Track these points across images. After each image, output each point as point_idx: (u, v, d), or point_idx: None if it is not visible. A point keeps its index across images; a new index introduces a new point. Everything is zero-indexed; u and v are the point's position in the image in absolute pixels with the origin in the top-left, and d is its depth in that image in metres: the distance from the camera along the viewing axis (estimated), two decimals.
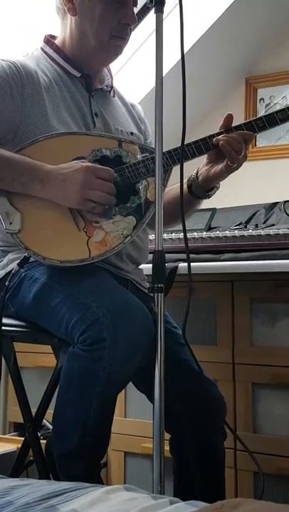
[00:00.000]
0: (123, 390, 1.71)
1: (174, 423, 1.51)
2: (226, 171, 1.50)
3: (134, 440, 2.01)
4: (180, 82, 1.32)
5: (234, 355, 1.88)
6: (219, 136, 1.47)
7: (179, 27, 1.32)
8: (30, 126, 1.47)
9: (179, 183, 1.38)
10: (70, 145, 1.46)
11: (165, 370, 1.29)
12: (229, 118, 1.50)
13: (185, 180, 1.56)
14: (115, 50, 1.57)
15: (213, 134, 1.48)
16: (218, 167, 1.51)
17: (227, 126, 1.49)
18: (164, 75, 1.33)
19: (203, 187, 1.56)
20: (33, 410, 1.56)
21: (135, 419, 2.02)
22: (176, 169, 1.43)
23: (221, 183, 1.59)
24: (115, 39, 1.54)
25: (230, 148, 1.44)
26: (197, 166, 1.58)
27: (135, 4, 1.56)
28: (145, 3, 1.40)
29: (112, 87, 1.66)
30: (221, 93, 2.80)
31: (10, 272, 1.48)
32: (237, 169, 1.50)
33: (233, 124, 1.49)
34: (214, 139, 1.47)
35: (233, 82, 2.78)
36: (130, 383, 1.55)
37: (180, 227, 1.42)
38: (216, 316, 1.92)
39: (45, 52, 1.60)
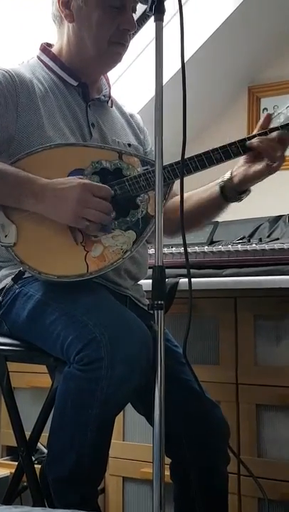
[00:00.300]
0: (121, 412, 1.70)
1: (175, 447, 1.50)
2: (266, 171, 1.51)
3: (133, 465, 1.99)
4: (180, 91, 1.33)
5: (237, 375, 1.87)
6: (252, 140, 1.47)
7: (180, 35, 1.33)
8: (25, 136, 1.48)
9: (180, 195, 1.38)
10: (68, 156, 1.47)
11: (165, 391, 1.28)
12: (267, 118, 1.51)
13: (213, 183, 1.59)
14: (114, 57, 1.59)
15: (234, 142, 1.48)
16: (259, 167, 1.51)
17: (263, 127, 1.50)
18: (164, 83, 1.34)
19: (238, 188, 1.56)
20: (27, 433, 1.55)
21: (134, 443, 2.01)
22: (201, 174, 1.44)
23: None
24: (114, 45, 1.55)
25: (265, 147, 1.46)
26: (212, 173, 1.58)
27: (134, 10, 1.57)
28: (144, 11, 1.41)
29: (109, 96, 1.67)
30: (223, 102, 2.82)
31: (3, 288, 1.48)
32: (277, 170, 1.51)
33: (237, 138, 1.49)
34: (248, 143, 1.47)
35: (236, 91, 2.80)
36: (129, 405, 1.54)
37: (181, 240, 1.41)
38: (219, 334, 1.92)
39: (42, 61, 1.61)
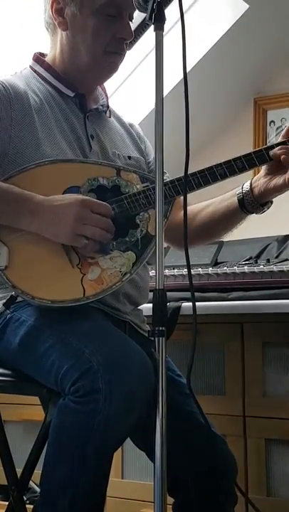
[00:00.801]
0: (120, 448, 1.69)
1: (178, 485, 1.49)
2: (287, 185, 1.51)
3: (132, 505, 1.98)
4: (183, 102, 1.34)
5: (245, 407, 1.86)
6: (275, 149, 1.48)
7: (181, 44, 1.34)
8: (19, 151, 1.48)
9: (184, 214, 1.38)
10: (63, 173, 1.47)
11: (167, 424, 1.27)
12: None
13: (231, 193, 1.59)
14: (110, 67, 1.60)
15: (239, 157, 1.48)
16: (280, 179, 1.52)
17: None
18: (165, 95, 1.35)
19: (260, 200, 1.56)
20: (18, 470, 1.54)
21: (134, 481, 1.99)
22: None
23: None
24: (110, 55, 1.57)
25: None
26: (221, 186, 1.58)
27: (131, 18, 1.59)
28: (144, 20, 1.42)
29: (107, 106, 1.68)
30: (228, 114, 2.84)
31: None
32: None
33: (242, 153, 1.50)
34: (271, 153, 1.48)
35: (241, 103, 2.82)
36: (128, 439, 1.53)
37: (184, 261, 1.41)
38: (225, 363, 1.91)
39: (35, 71, 1.63)
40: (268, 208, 1.60)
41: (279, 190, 1.53)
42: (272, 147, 1.50)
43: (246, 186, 1.58)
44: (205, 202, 1.64)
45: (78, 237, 1.39)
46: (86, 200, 1.41)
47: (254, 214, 1.60)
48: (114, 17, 1.54)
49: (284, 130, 1.52)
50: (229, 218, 1.62)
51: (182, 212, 1.53)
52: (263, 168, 1.55)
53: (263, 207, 1.58)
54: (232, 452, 1.58)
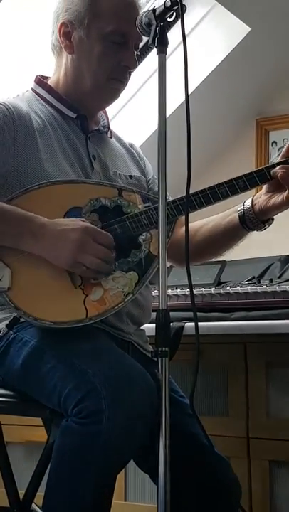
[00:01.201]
0: (123, 470, 1.68)
1: (182, 507, 1.48)
2: (286, 203, 1.51)
3: None
4: (184, 123, 1.35)
5: (248, 429, 1.85)
6: (276, 168, 1.48)
7: (183, 66, 1.36)
8: (22, 172, 1.50)
9: (185, 234, 1.39)
10: (65, 194, 1.48)
11: (171, 445, 1.27)
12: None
13: (232, 210, 1.60)
14: (112, 93, 1.63)
15: (240, 176, 1.49)
16: (279, 198, 1.52)
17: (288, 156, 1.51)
18: (167, 115, 1.36)
19: (261, 218, 1.57)
20: (21, 492, 1.53)
21: (137, 503, 1.98)
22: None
23: None
24: (113, 82, 1.60)
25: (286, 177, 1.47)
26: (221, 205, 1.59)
27: (136, 48, 1.62)
28: (146, 43, 1.44)
29: (108, 127, 1.70)
30: (230, 135, 2.86)
31: None
32: None
33: (244, 172, 1.51)
34: (272, 171, 1.49)
35: (243, 124, 2.84)
36: (131, 462, 1.52)
37: (187, 281, 1.41)
38: (228, 383, 1.91)
39: (37, 94, 1.65)
40: (269, 225, 1.60)
41: (278, 207, 1.54)
42: (273, 166, 1.50)
43: (247, 203, 1.58)
44: (205, 219, 1.64)
45: (77, 264, 1.40)
46: (89, 228, 1.41)
47: (255, 231, 1.60)
48: (120, 45, 1.57)
49: (284, 149, 1.53)
50: (230, 235, 1.62)
51: (183, 229, 1.53)
52: (265, 186, 1.55)
53: (264, 224, 1.59)
54: (236, 474, 1.57)
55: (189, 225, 1.59)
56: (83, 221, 1.43)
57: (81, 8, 1.57)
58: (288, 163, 1.49)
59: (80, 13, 1.57)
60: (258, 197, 1.57)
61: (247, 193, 1.52)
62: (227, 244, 1.67)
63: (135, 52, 1.61)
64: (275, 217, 1.59)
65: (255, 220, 1.57)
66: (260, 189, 1.59)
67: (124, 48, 1.57)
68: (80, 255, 1.39)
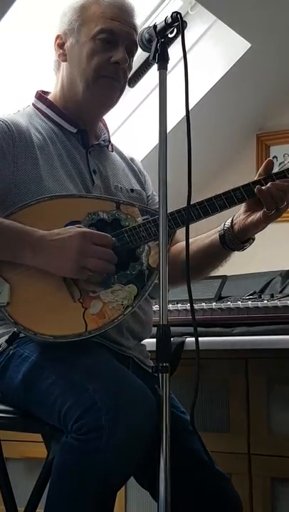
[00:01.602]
0: (123, 486, 1.67)
1: None
2: (263, 220, 1.52)
3: None
4: (185, 138, 1.35)
5: (250, 445, 1.84)
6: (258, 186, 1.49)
7: (184, 82, 1.36)
8: (23, 188, 1.50)
9: (186, 247, 1.39)
10: (63, 209, 1.49)
11: (171, 462, 1.26)
12: (269, 164, 1.53)
13: (214, 230, 1.60)
14: (104, 92, 1.60)
15: (238, 187, 1.50)
16: (256, 215, 1.53)
17: (267, 173, 1.52)
18: (168, 130, 1.37)
19: (239, 237, 1.57)
20: (20, 509, 1.52)
21: None
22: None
23: None
24: (104, 80, 1.58)
25: (269, 195, 1.47)
26: (213, 219, 1.59)
27: (131, 53, 1.60)
28: (147, 59, 1.45)
29: (109, 141, 1.70)
30: (231, 150, 2.87)
31: None
32: (276, 218, 1.52)
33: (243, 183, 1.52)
34: (256, 189, 1.49)
35: (244, 139, 2.86)
36: (131, 478, 1.51)
37: (187, 296, 1.41)
38: (229, 399, 1.90)
39: (38, 109, 1.66)
40: (250, 245, 1.60)
41: (256, 225, 1.54)
42: (271, 177, 1.51)
43: (227, 223, 1.59)
44: (191, 239, 1.63)
45: (82, 270, 1.40)
46: (86, 232, 1.42)
47: (236, 252, 1.60)
48: (110, 43, 1.57)
49: (263, 166, 1.54)
50: (213, 255, 1.62)
51: (173, 247, 1.55)
52: (243, 205, 1.56)
53: (244, 244, 1.59)
54: (237, 491, 1.55)
55: (175, 246, 1.60)
56: (79, 227, 1.44)
57: (72, 17, 1.60)
58: (268, 180, 1.49)
59: (71, 22, 1.60)
60: (238, 216, 1.58)
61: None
62: (211, 265, 1.66)
63: (129, 56, 1.59)
64: (275, 232, 1.59)
65: (235, 239, 1.57)
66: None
67: (115, 46, 1.57)
68: (82, 260, 1.39)
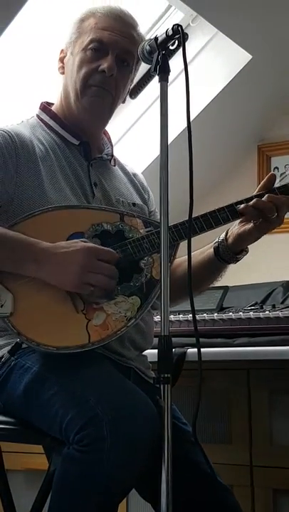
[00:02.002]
0: (124, 498, 1.66)
1: None
2: (255, 230, 1.52)
3: None
4: (186, 149, 1.36)
5: (252, 456, 1.83)
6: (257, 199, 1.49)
7: (185, 94, 1.37)
8: (25, 198, 1.51)
9: (188, 258, 1.39)
10: (67, 219, 1.49)
11: (173, 474, 1.25)
12: (270, 178, 1.54)
13: (209, 244, 1.60)
14: (92, 101, 1.60)
15: (241, 200, 1.50)
16: (248, 226, 1.53)
17: (268, 187, 1.52)
18: (170, 142, 1.37)
19: (233, 249, 1.57)
20: None
21: None
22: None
23: None
24: (92, 89, 1.59)
25: (252, 210, 1.47)
26: (217, 233, 1.60)
27: (123, 61, 1.60)
28: (148, 71, 1.46)
29: (112, 155, 1.71)
30: (232, 161, 2.88)
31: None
32: (269, 229, 1.52)
33: (244, 197, 1.52)
34: (253, 202, 1.49)
35: (245, 150, 2.87)
36: (133, 490, 1.50)
37: (188, 306, 1.42)
38: (230, 410, 1.89)
39: (41, 120, 1.67)
40: (243, 256, 1.60)
41: (248, 235, 1.54)
42: (274, 190, 1.51)
43: (222, 235, 1.60)
44: (182, 258, 1.63)
45: (84, 285, 1.40)
46: (91, 247, 1.42)
47: (232, 264, 1.60)
48: (101, 52, 1.58)
49: (264, 180, 1.54)
50: (208, 268, 1.62)
51: (174, 262, 1.55)
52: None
53: (237, 255, 1.59)
54: (239, 503, 1.55)
55: (173, 261, 1.59)
56: (84, 241, 1.44)
57: (72, 31, 1.64)
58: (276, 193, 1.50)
59: (71, 35, 1.64)
60: (232, 228, 1.58)
61: None
62: (208, 278, 1.66)
63: (123, 66, 1.60)
64: (276, 243, 1.60)
65: (228, 251, 1.57)
66: None
67: (104, 54, 1.58)
68: (84, 275, 1.39)
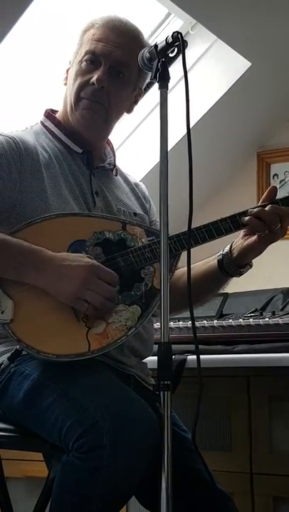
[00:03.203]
0: (124, 506, 1.65)
1: None
2: (258, 242, 1.52)
3: None
4: (186, 156, 1.36)
5: (252, 464, 1.83)
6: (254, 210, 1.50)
7: (185, 101, 1.37)
8: (28, 205, 1.51)
9: (187, 269, 1.39)
10: (70, 227, 1.49)
11: (173, 481, 1.25)
12: (272, 191, 1.54)
13: (213, 256, 1.60)
14: (83, 114, 1.60)
15: (245, 211, 1.50)
16: (252, 238, 1.53)
17: (271, 199, 1.52)
18: (169, 149, 1.38)
19: (237, 262, 1.57)
20: None
21: None
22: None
23: None
24: (83, 101, 1.60)
25: (256, 221, 1.48)
26: (220, 243, 1.60)
27: (118, 72, 1.59)
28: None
29: (114, 165, 1.71)
30: (232, 168, 2.89)
31: None
32: (273, 241, 1.52)
33: (246, 206, 1.52)
34: (254, 212, 1.49)
35: (244, 157, 2.87)
36: (133, 497, 1.50)
37: (188, 314, 1.42)
38: (230, 417, 1.89)
39: (46, 127, 1.67)
40: (247, 271, 1.60)
41: (252, 248, 1.54)
42: (277, 202, 1.52)
43: (227, 248, 1.59)
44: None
45: (79, 300, 1.40)
46: (95, 265, 1.42)
47: (234, 277, 1.60)
48: (95, 65, 1.59)
49: (266, 192, 1.55)
50: (211, 281, 1.62)
51: (176, 273, 1.55)
52: (242, 231, 1.56)
53: (241, 269, 1.59)
54: (239, 511, 1.54)
55: (174, 272, 1.60)
56: (89, 257, 1.44)
57: (76, 42, 1.64)
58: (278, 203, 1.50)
59: (75, 47, 1.64)
60: (237, 241, 1.58)
61: None
62: (210, 290, 1.67)
63: (119, 76, 1.59)
64: (276, 250, 1.59)
65: (233, 264, 1.57)
66: None
67: (97, 66, 1.58)
68: (82, 291, 1.39)
